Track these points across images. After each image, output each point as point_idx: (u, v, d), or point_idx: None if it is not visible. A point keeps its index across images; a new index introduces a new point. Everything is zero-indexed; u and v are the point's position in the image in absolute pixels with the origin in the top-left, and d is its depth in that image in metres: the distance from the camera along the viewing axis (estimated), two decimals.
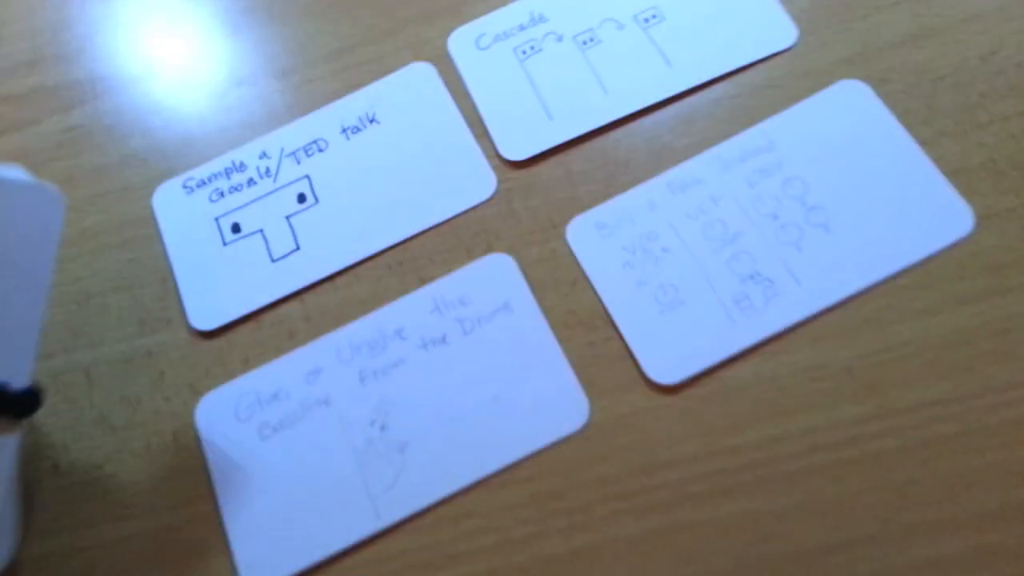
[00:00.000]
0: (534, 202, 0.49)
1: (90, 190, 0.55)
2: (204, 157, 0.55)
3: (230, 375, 0.48)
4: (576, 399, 0.44)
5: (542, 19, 0.55)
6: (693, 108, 0.50)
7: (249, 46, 0.58)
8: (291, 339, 0.48)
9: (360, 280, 0.49)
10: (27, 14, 0.62)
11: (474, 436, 0.44)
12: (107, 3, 0.62)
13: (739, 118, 0.49)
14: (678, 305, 0.45)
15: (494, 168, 0.51)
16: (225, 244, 0.52)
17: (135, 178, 0.55)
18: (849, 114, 0.48)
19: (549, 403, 0.44)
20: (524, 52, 0.54)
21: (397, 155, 0.52)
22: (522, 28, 0.55)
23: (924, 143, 0.47)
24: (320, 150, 0.54)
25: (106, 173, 0.55)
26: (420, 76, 0.55)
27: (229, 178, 0.54)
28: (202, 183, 0.54)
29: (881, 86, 0.49)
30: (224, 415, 0.46)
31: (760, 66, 0.51)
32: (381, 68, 0.56)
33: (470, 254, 0.49)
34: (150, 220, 0.53)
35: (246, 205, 0.53)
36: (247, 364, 0.48)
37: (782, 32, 0.51)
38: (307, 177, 0.53)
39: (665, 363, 0.44)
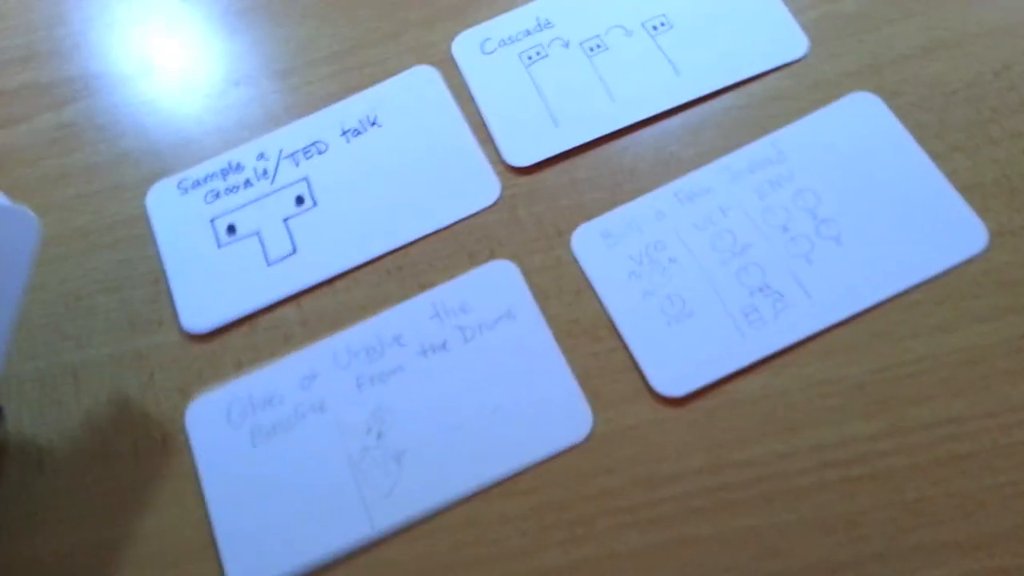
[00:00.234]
0: (538, 209, 0.48)
1: (81, 189, 0.54)
2: (200, 158, 0.54)
3: (222, 379, 0.46)
4: (579, 410, 0.43)
5: (548, 25, 0.54)
6: (701, 117, 0.49)
7: (247, 46, 0.57)
8: (286, 343, 0.47)
9: (359, 285, 0.48)
10: (22, 9, 0.61)
11: (473, 445, 0.43)
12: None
13: (748, 128, 0.48)
14: (685, 317, 0.44)
15: (498, 174, 0.50)
16: (220, 246, 0.50)
17: (128, 177, 0.54)
18: (861, 126, 0.47)
19: (551, 413, 0.43)
20: (530, 58, 0.53)
21: (399, 159, 0.51)
22: (528, 33, 0.54)
23: (936, 157, 0.46)
24: (320, 152, 0.52)
25: (98, 172, 0.54)
26: (423, 79, 0.54)
27: (225, 179, 0.53)
28: (197, 183, 0.53)
29: (893, 99, 0.48)
30: (215, 419, 0.45)
31: (770, 76, 0.50)
32: (383, 71, 0.55)
33: (472, 260, 0.48)
34: (143, 220, 0.52)
35: (242, 207, 0.52)
36: (240, 368, 0.47)
37: (793, 42, 0.50)
38: (306, 179, 0.52)
39: (671, 375, 0.43)
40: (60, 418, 0.47)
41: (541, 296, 0.46)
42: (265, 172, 0.52)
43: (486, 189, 0.50)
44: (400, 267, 0.48)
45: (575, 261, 0.47)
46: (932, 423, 0.40)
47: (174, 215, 0.52)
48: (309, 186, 0.51)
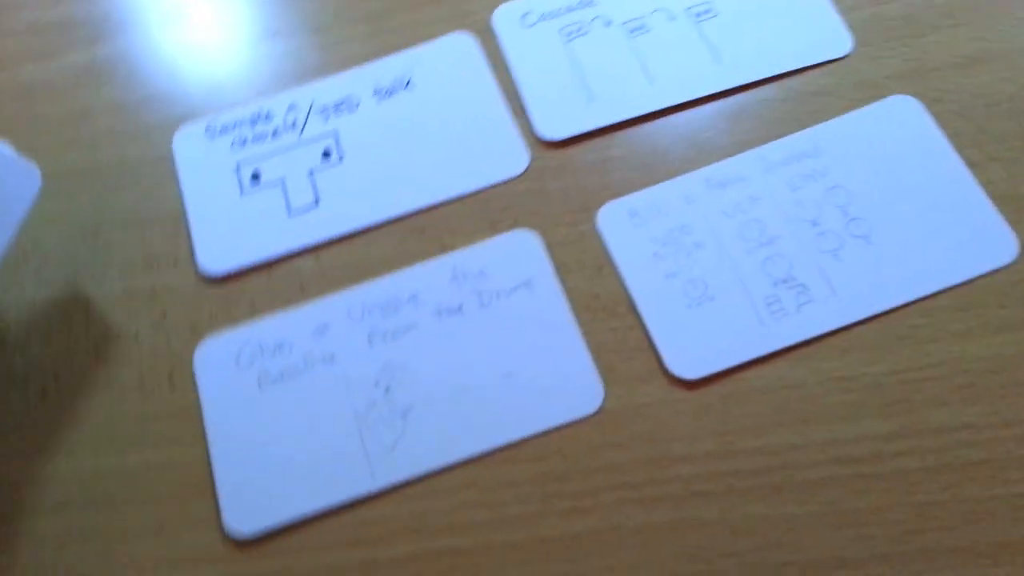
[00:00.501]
0: (566, 183, 0.48)
1: (108, 126, 0.54)
2: (230, 105, 0.53)
3: (234, 322, 0.46)
4: (591, 383, 0.42)
5: (591, 2, 0.54)
6: (739, 107, 0.49)
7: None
8: (302, 293, 0.47)
9: (379, 242, 0.48)
10: None
11: (481, 409, 0.42)
12: None
13: (786, 121, 0.48)
14: (706, 301, 0.43)
15: (528, 145, 0.49)
16: (243, 192, 0.50)
17: (156, 118, 0.53)
18: (899, 129, 0.47)
19: (563, 385, 0.43)
20: (570, 34, 0.53)
21: (429, 122, 0.51)
22: (570, 9, 0.54)
23: (973, 166, 0.45)
24: (351, 109, 0.52)
25: (126, 111, 0.54)
26: (461, 46, 0.53)
27: (254, 126, 0.52)
28: (225, 129, 0.52)
29: (933, 105, 0.47)
30: (224, 360, 0.45)
31: (812, 72, 0.49)
32: (420, 35, 0.54)
33: (495, 228, 0.47)
34: (167, 161, 0.52)
35: (268, 156, 0.51)
36: (253, 313, 0.46)
37: (837, 40, 0.50)
38: (334, 134, 0.51)
39: (687, 357, 0.42)
40: (68, 347, 0.47)
41: (562, 269, 0.46)
42: (294, 123, 0.52)
43: (515, 159, 0.49)
44: (422, 228, 0.48)
45: (599, 237, 0.46)
46: (947, 428, 0.40)
47: (199, 158, 0.52)
48: (337, 141, 0.51)
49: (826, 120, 0.48)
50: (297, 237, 0.48)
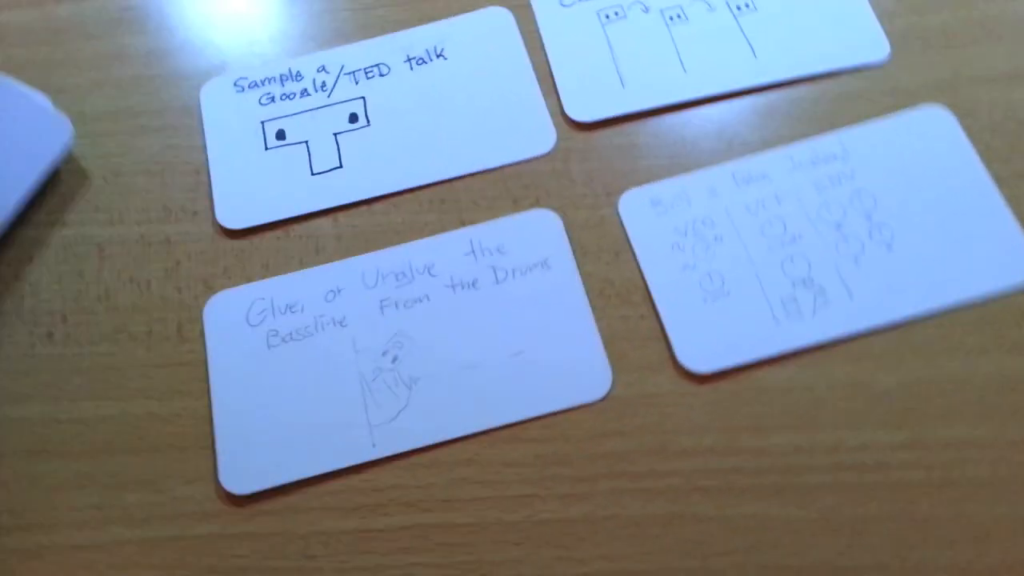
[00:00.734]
0: (591, 166, 0.48)
1: (138, 71, 0.54)
2: (260, 60, 0.53)
3: (247, 278, 0.46)
4: (600, 369, 0.42)
5: None
6: (771, 104, 0.48)
7: None
8: (317, 254, 0.46)
9: (398, 210, 0.47)
10: None
11: (488, 386, 0.42)
12: None
13: (817, 122, 0.47)
14: (722, 296, 0.43)
15: (556, 125, 0.49)
16: (267, 148, 0.50)
17: (186, 67, 0.53)
18: (930, 140, 0.46)
19: (571, 368, 0.42)
20: (608, 16, 0.52)
21: (459, 94, 0.51)
22: None
23: (1000, 182, 0.45)
24: (381, 74, 0.52)
25: (157, 57, 0.54)
26: (496, 20, 0.53)
27: (283, 85, 0.52)
28: (254, 84, 0.52)
29: (965, 118, 0.47)
30: (234, 316, 0.45)
31: (846, 76, 0.49)
32: (456, 7, 0.54)
33: (516, 205, 0.47)
34: (194, 112, 0.52)
35: (295, 114, 0.51)
36: (267, 270, 0.46)
37: (875, 46, 0.49)
38: (363, 99, 0.51)
39: (699, 351, 0.42)
40: (78, 290, 0.47)
41: (580, 251, 0.45)
42: (324, 85, 0.52)
43: (542, 138, 0.49)
44: (443, 200, 0.47)
45: (619, 223, 0.46)
46: (954, 443, 0.40)
47: (226, 112, 0.52)
48: (365, 105, 0.51)
49: (857, 124, 0.47)
50: (317, 198, 0.48)
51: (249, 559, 0.40)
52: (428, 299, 0.44)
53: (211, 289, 0.46)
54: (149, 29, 0.55)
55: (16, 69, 0.51)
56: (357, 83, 0.52)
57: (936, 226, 0.44)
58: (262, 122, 0.51)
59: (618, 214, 0.46)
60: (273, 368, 0.43)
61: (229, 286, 0.46)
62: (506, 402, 0.42)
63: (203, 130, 0.51)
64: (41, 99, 0.49)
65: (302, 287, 0.45)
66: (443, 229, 0.46)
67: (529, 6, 0.53)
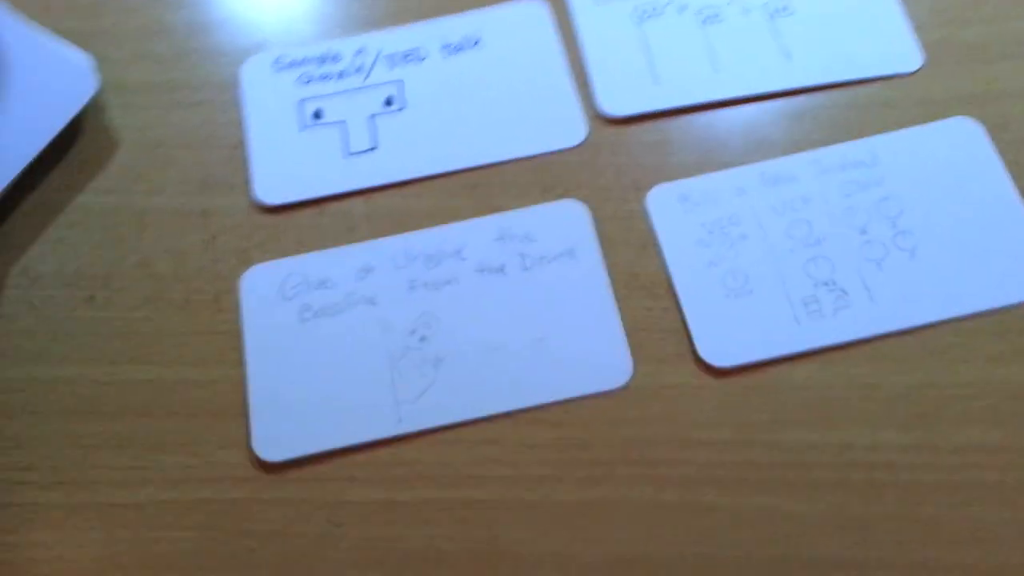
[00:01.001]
0: (620, 160, 0.49)
1: (179, 46, 0.55)
2: (300, 39, 0.54)
3: (282, 253, 0.47)
4: (621, 358, 0.43)
5: None
6: (802, 107, 0.49)
7: None
8: (350, 233, 0.47)
9: (430, 193, 0.48)
10: None
11: (511, 369, 0.43)
12: None
13: (847, 128, 0.48)
14: (745, 293, 0.44)
15: (587, 118, 0.50)
16: (303, 128, 0.51)
17: (227, 43, 0.54)
18: (958, 150, 0.47)
19: (593, 356, 0.43)
20: (643, 14, 0.53)
21: (493, 83, 0.52)
22: None
23: None
24: (417, 60, 0.53)
25: (198, 32, 0.55)
26: (532, 11, 0.54)
27: (322, 65, 0.53)
28: (293, 64, 0.53)
29: (995, 132, 0.48)
30: (269, 289, 0.46)
31: (878, 83, 0.50)
32: None
33: (546, 195, 0.48)
34: (234, 88, 0.53)
35: (332, 95, 0.52)
36: (301, 246, 0.47)
37: (908, 56, 0.50)
38: (399, 83, 0.52)
39: (719, 345, 0.43)
40: (118, 256, 0.48)
41: (606, 243, 0.46)
42: (361, 67, 0.53)
43: (573, 130, 0.50)
44: (474, 186, 0.48)
45: (647, 218, 0.47)
46: (965, 447, 0.41)
47: (265, 89, 0.53)
48: (401, 90, 0.52)
49: (887, 132, 0.48)
50: (351, 179, 0.49)
51: (278, 524, 0.41)
52: (456, 282, 0.45)
53: (246, 262, 0.47)
54: (190, 4, 0.56)
55: (61, 38, 0.52)
56: (394, 67, 0.53)
57: (959, 236, 0.45)
58: (300, 101, 0.52)
59: (645, 208, 0.47)
60: (305, 341, 0.44)
61: (264, 260, 0.47)
62: (529, 385, 0.43)
63: (241, 106, 0.52)
64: (61, 45, 0.51)
65: (335, 264, 0.46)
66: (473, 214, 0.47)
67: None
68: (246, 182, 0.49)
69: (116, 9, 0.56)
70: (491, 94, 0.51)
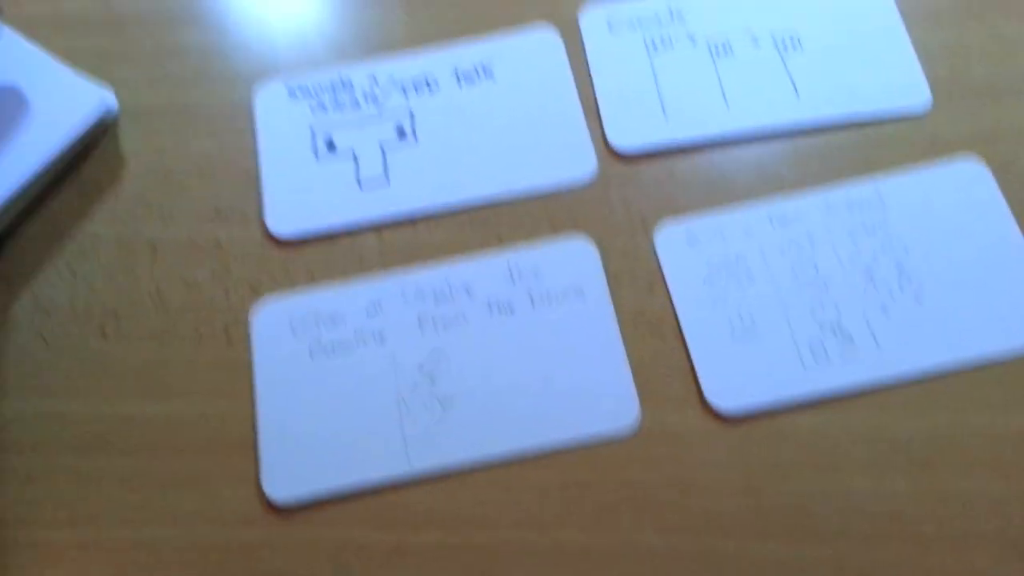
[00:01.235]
0: (629, 195, 0.49)
1: (193, 67, 0.55)
2: (311, 62, 0.54)
3: (293, 285, 0.47)
4: (628, 400, 0.44)
5: (680, 18, 0.54)
6: (810, 145, 0.49)
7: None
8: (360, 267, 0.48)
9: (440, 228, 0.49)
10: None
11: (519, 410, 0.44)
12: None
13: (854, 167, 0.49)
14: (751, 335, 0.44)
15: (597, 152, 0.50)
16: (318, 158, 0.51)
17: (241, 66, 0.55)
18: (964, 193, 0.47)
19: (600, 397, 0.44)
20: (655, 46, 0.53)
21: (505, 115, 0.52)
22: (658, 22, 0.54)
23: None
24: (429, 89, 0.53)
25: (213, 55, 0.55)
26: (544, 41, 0.54)
27: (335, 93, 0.53)
28: (306, 92, 0.54)
29: (1002, 172, 0.48)
30: (280, 323, 0.46)
31: (886, 121, 0.50)
32: (506, 21, 0.55)
33: (555, 230, 0.48)
34: (247, 114, 0.53)
35: (345, 125, 0.52)
36: (312, 279, 0.48)
37: (916, 95, 0.50)
38: (410, 112, 0.52)
39: (726, 388, 0.43)
40: (130, 287, 0.48)
41: (613, 280, 0.47)
42: (374, 98, 0.53)
43: (583, 164, 0.50)
44: (484, 220, 0.49)
45: (654, 255, 0.47)
46: (970, 497, 0.41)
47: (279, 117, 0.53)
48: (413, 120, 0.52)
49: (893, 171, 0.48)
50: (364, 211, 0.50)
51: (285, 568, 0.42)
52: (465, 319, 0.46)
53: (257, 293, 0.47)
54: (206, 24, 0.56)
55: (76, 59, 0.52)
56: (406, 96, 0.53)
57: (966, 282, 0.45)
58: (313, 130, 0.52)
59: (653, 245, 0.47)
60: (315, 378, 0.45)
61: (275, 291, 0.47)
62: (536, 426, 0.43)
63: (254, 132, 0.52)
64: (71, 73, 0.51)
65: (345, 299, 0.47)
66: (483, 249, 0.48)
67: (578, 29, 0.54)
68: (259, 213, 0.49)
69: (132, 30, 0.56)
70: (503, 126, 0.52)
